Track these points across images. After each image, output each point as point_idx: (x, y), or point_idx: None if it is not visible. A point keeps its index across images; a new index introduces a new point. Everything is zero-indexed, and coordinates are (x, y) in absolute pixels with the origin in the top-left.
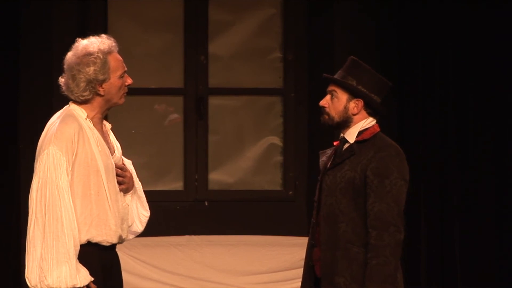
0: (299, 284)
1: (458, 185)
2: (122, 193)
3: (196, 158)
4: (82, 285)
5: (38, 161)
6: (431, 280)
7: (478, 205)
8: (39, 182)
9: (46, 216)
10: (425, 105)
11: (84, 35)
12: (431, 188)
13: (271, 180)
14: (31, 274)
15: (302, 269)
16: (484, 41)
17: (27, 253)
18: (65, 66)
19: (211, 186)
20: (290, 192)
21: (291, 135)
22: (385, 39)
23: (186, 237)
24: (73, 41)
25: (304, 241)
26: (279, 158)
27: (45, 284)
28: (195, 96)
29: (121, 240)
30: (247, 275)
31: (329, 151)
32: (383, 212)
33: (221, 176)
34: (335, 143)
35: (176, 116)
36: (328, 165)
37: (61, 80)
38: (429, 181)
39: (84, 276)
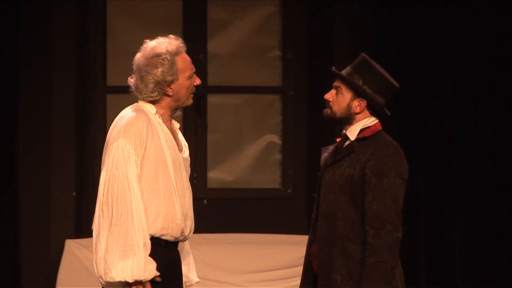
0: (298, 282)
1: (458, 185)
2: (190, 189)
3: (195, 156)
4: (143, 279)
5: (107, 154)
6: (431, 280)
7: (478, 205)
8: (107, 175)
9: (114, 208)
10: (425, 105)
11: (83, 35)
12: (431, 188)
13: (270, 178)
14: (97, 266)
15: (301, 267)
16: (484, 41)
17: (94, 245)
18: (134, 67)
19: (210, 184)
20: (289, 190)
21: (290, 133)
22: (385, 38)
23: None
24: (72, 41)
25: (303, 239)
26: (278, 156)
27: (110, 276)
28: (194, 94)
29: (183, 237)
30: (246, 273)
31: (331, 148)
32: (380, 211)
33: (220, 174)
34: (337, 140)
35: (177, 114)
36: (328, 161)
37: (130, 80)
38: (429, 181)
39: (150, 270)
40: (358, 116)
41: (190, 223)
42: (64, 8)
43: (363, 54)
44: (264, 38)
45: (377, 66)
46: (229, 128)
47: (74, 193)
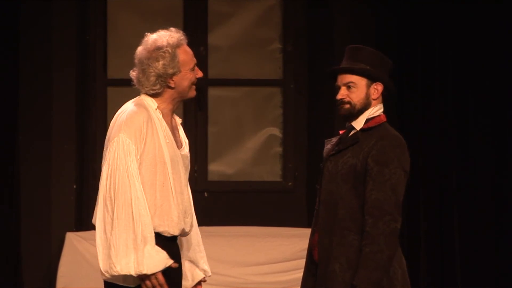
0: (299, 274)
1: (459, 184)
2: (188, 186)
3: (195, 149)
4: (149, 273)
5: (108, 149)
6: (431, 280)
7: (478, 205)
8: (109, 169)
9: (116, 202)
10: (425, 101)
11: (84, 28)
12: (431, 187)
13: (271, 171)
14: (101, 261)
15: (302, 260)
16: (484, 35)
17: (98, 240)
18: (135, 61)
19: (211, 177)
20: (290, 183)
21: (291, 126)
22: (384, 28)
23: None
24: (73, 33)
25: (303, 232)
26: (278, 149)
27: (114, 271)
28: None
29: (183, 233)
30: (246, 266)
31: (334, 139)
32: (380, 201)
33: (220, 167)
34: (340, 132)
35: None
36: (331, 151)
37: (132, 73)
38: (429, 180)
39: (155, 263)
40: (374, 102)
41: (190, 220)
42: (64, 0)
43: (349, 46)
44: (265, 31)
45: (370, 48)
46: (229, 120)
47: (74, 186)
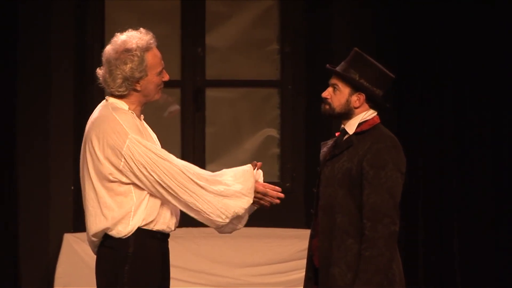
0: (297, 275)
1: (458, 184)
2: None
3: (193, 150)
4: (252, 192)
5: (126, 154)
6: (431, 280)
7: (478, 205)
8: (147, 167)
9: (185, 180)
10: (424, 102)
11: (82, 28)
12: (430, 187)
13: (269, 172)
14: (211, 213)
15: (299, 261)
16: (483, 35)
17: (202, 209)
18: (103, 59)
19: None
20: (288, 184)
21: (288, 127)
22: (383, 30)
23: (184, 229)
24: (70, 34)
25: (301, 233)
26: (276, 150)
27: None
28: (192, 88)
29: (175, 228)
30: (245, 267)
31: (330, 142)
32: (378, 204)
33: (218, 168)
34: (336, 134)
35: (176, 108)
36: (328, 156)
37: (99, 71)
38: (428, 180)
39: (247, 183)
40: (357, 110)
41: (178, 214)
42: (63, 1)
43: (355, 48)
44: (263, 32)
45: (371, 59)
46: (227, 121)
47: (72, 187)
